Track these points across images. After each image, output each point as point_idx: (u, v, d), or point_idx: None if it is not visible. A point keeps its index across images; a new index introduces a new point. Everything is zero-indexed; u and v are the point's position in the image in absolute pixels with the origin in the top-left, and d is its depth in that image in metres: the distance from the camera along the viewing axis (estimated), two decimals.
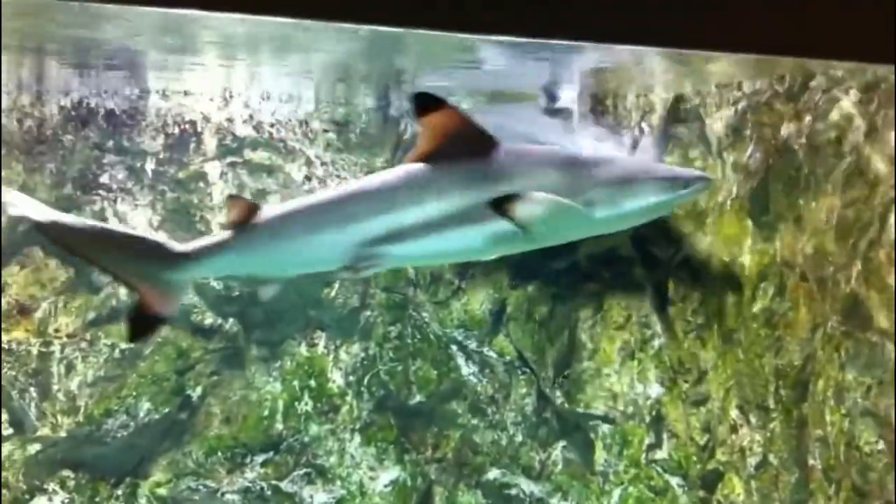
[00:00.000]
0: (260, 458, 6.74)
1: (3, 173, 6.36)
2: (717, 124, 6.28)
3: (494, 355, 7.27)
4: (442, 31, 3.25)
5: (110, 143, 6.56)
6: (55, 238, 4.32)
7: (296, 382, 6.88)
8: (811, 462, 5.47)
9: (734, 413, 6.07)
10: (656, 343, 6.72)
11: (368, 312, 7.08)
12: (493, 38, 3.53)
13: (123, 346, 6.51)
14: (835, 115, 5.37)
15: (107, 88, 6.57)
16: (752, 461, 5.92)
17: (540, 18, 3.26)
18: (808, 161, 5.55)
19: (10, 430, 6.34)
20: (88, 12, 4.63)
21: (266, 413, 6.80)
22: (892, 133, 4.98)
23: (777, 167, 5.78)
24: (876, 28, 3.51)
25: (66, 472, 6.42)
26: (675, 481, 6.50)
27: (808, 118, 5.50)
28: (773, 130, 5.80)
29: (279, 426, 6.81)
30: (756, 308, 5.91)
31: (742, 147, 6.06)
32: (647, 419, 6.66)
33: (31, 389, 6.39)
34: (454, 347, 7.24)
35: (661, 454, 6.59)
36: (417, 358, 7.13)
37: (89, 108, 6.57)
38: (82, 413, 6.41)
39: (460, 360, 7.23)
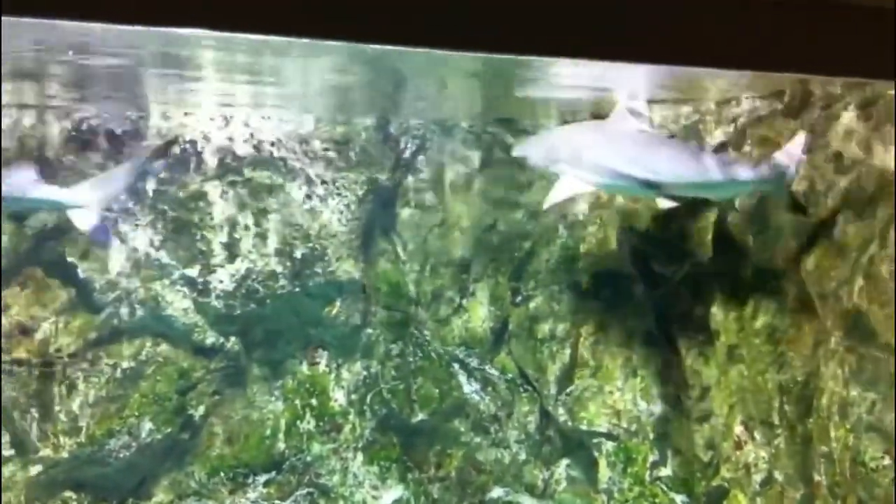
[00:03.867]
0: (262, 478, 6.72)
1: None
2: (715, 141, 6.29)
3: (496, 373, 7.26)
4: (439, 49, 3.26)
5: (112, 164, 6.56)
6: None
7: (298, 401, 6.86)
8: (816, 478, 5.45)
9: (738, 429, 6.05)
10: (659, 360, 6.70)
11: (370, 330, 7.07)
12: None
13: (125, 365, 6.50)
14: (835, 131, 5.38)
15: (108, 109, 6.58)
16: (758, 478, 5.90)
17: (538, 34, 3.25)
18: (809, 176, 5.55)
19: (12, 451, 6.32)
20: (90, 33, 4.66)
21: (268, 432, 6.78)
22: (892, 149, 4.99)
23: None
24: (874, 44, 3.52)
25: (69, 493, 6.39)
26: (679, 499, 6.47)
27: (808, 134, 5.52)
28: (772, 147, 5.80)
29: (281, 445, 6.79)
30: (758, 324, 5.90)
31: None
32: (651, 436, 6.64)
33: (33, 410, 6.37)
34: (456, 365, 7.23)
35: (665, 471, 6.56)
36: (419, 376, 7.12)
37: (91, 128, 6.58)
38: (84, 433, 6.39)
39: (462, 378, 7.22)
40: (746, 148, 6.03)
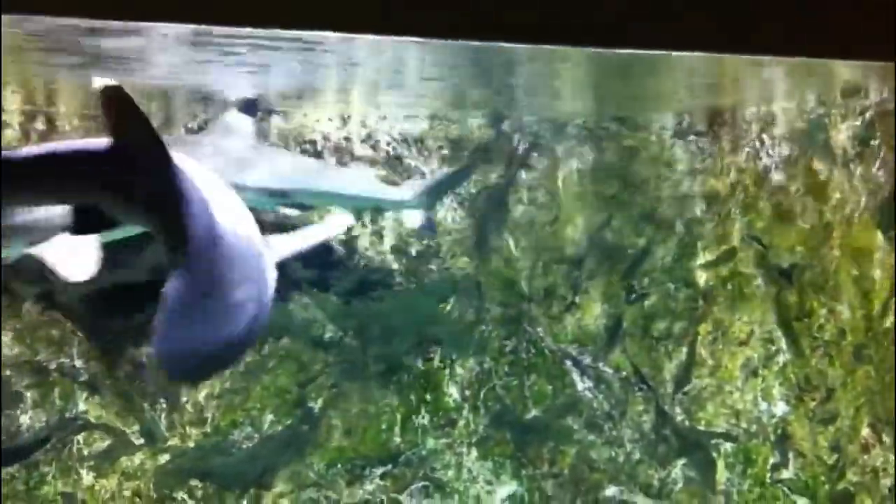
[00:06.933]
0: (379, 471, 6.83)
1: None
2: (842, 135, 6.11)
3: (610, 371, 7.21)
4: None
5: None
6: None
7: (413, 396, 6.95)
8: None
9: (865, 432, 5.88)
10: (781, 359, 6.55)
11: (483, 327, 7.11)
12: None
13: (248, 358, 6.69)
14: None
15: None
16: (887, 482, 5.73)
17: (591, 25, 3.21)
18: None
19: (142, 441, 6.58)
20: (215, 37, 4.83)
21: (384, 426, 6.89)
22: None
23: None
24: (877, 26, 3.37)
25: (195, 482, 6.62)
26: (802, 502, 6.32)
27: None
28: None
29: (397, 439, 6.89)
30: (888, 323, 5.72)
31: (870, 158, 5.88)
32: (772, 438, 6.49)
33: (162, 401, 6.61)
34: (569, 362, 7.21)
35: (787, 474, 6.42)
36: (532, 373, 7.12)
37: None
38: (209, 424, 6.61)
39: (575, 376, 7.20)
40: (874, 142, 5.85)
